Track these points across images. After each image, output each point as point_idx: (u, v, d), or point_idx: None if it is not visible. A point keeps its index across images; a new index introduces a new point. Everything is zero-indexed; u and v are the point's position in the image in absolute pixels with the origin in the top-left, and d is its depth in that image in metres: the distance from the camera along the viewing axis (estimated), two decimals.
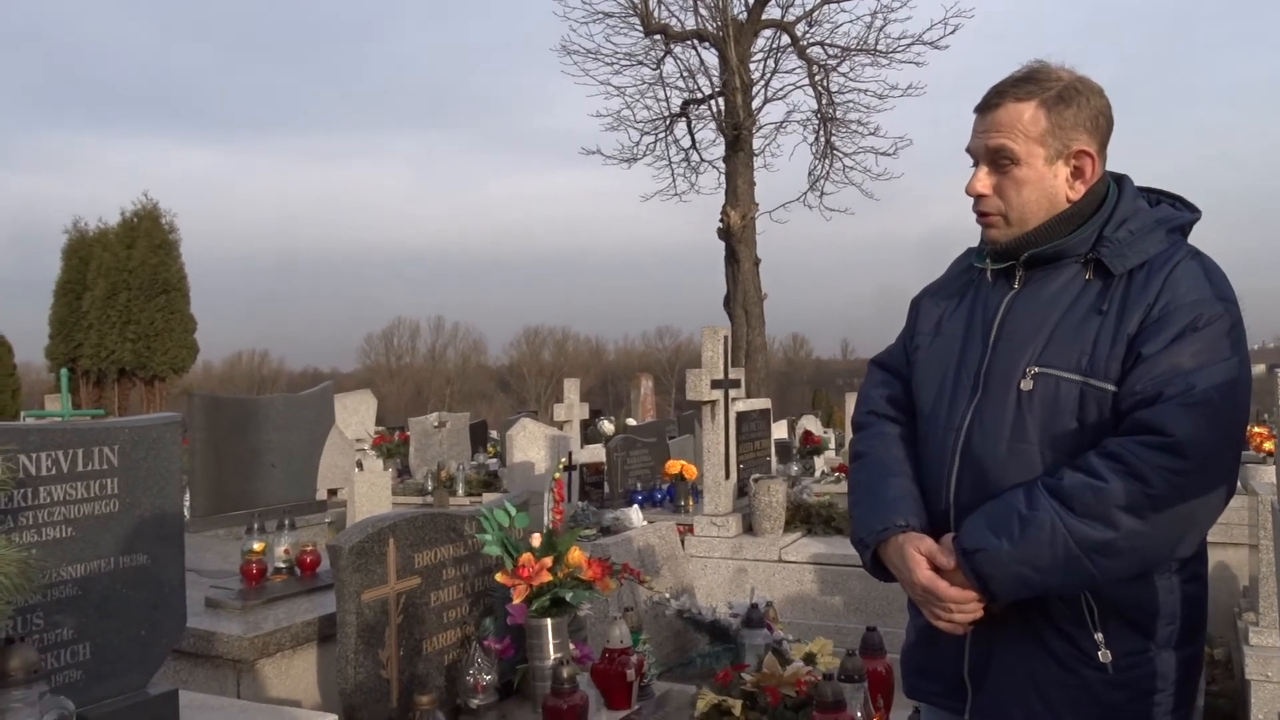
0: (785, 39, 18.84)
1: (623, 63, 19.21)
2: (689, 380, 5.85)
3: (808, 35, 18.74)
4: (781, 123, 19.31)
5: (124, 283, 12.95)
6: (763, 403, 6.93)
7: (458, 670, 3.40)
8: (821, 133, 19.08)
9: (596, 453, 9.70)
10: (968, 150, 1.86)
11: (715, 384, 5.86)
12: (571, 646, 3.49)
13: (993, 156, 1.81)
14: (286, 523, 4.42)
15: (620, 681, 3.25)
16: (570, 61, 18.61)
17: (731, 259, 17.35)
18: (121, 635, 2.42)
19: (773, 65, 18.89)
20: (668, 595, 4.84)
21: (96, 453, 2.38)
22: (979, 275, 1.93)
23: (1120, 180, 1.87)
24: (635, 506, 8.80)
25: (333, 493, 10.50)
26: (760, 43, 18.95)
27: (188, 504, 6.73)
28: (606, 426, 11.05)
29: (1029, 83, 1.79)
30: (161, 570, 2.52)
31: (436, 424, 12.07)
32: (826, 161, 19.02)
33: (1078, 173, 1.80)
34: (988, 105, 1.81)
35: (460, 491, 10.33)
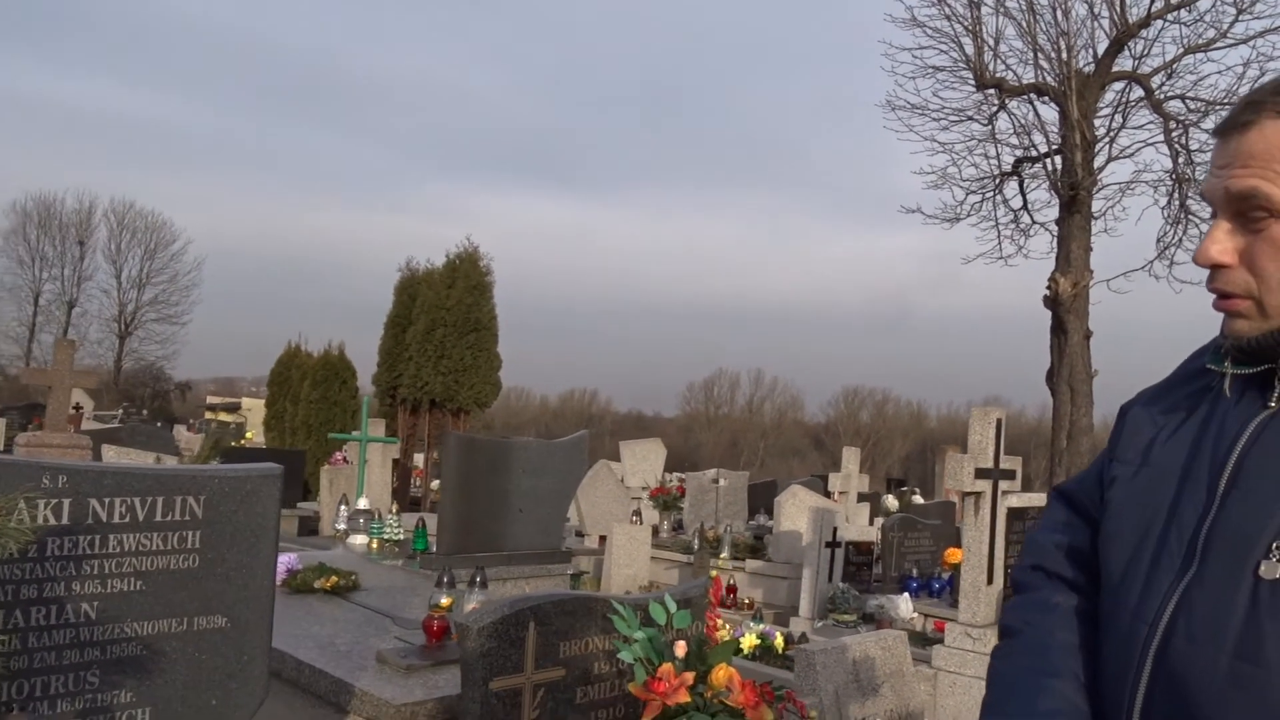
0: (1137, 92, 17.08)
1: (951, 118, 18.25)
2: (949, 465, 5.10)
3: (1165, 88, 16.88)
4: (1128, 183, 17.45)
5: (441, 320, 13.83)
6: (1042, 498, 5.97)
7: None
8: (1175, 194, 17.04)
9: (867, 530, 8.95)
10: (1201, 195, 1.22)
11: (981, 473, 5.07)
12: None
13: (1239, 206, 1.16)
14: (478, 579, 4.22)
15: None
16: (894, 117, 17.92)
17: (1058, 329, 15.77)
18: (187, 704, 2.23)
19: (1120, 120, 17.16)
20: None
21: (179, 502, 2.22)
22: (1217, 383, 1.26)
23: None
24: (906, 595, 7.99)
25: (604, 539, 10.45)
26: (1108, 96, 17.32)
27: (433, 539, 6.84)
28: (890, 502, 10.21)
29: None
30: (242, 635, 2.32)
31: (714, 480, 11.75)
32: (1180, 227, 16.95)
33: None
34: (1234, 124, 1.17)
35: (725, 555, 9.90)
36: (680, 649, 2.68)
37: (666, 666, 2.64)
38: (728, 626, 6.01)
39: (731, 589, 8.82)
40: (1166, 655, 1.12)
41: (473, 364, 13.75)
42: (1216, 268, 1.18)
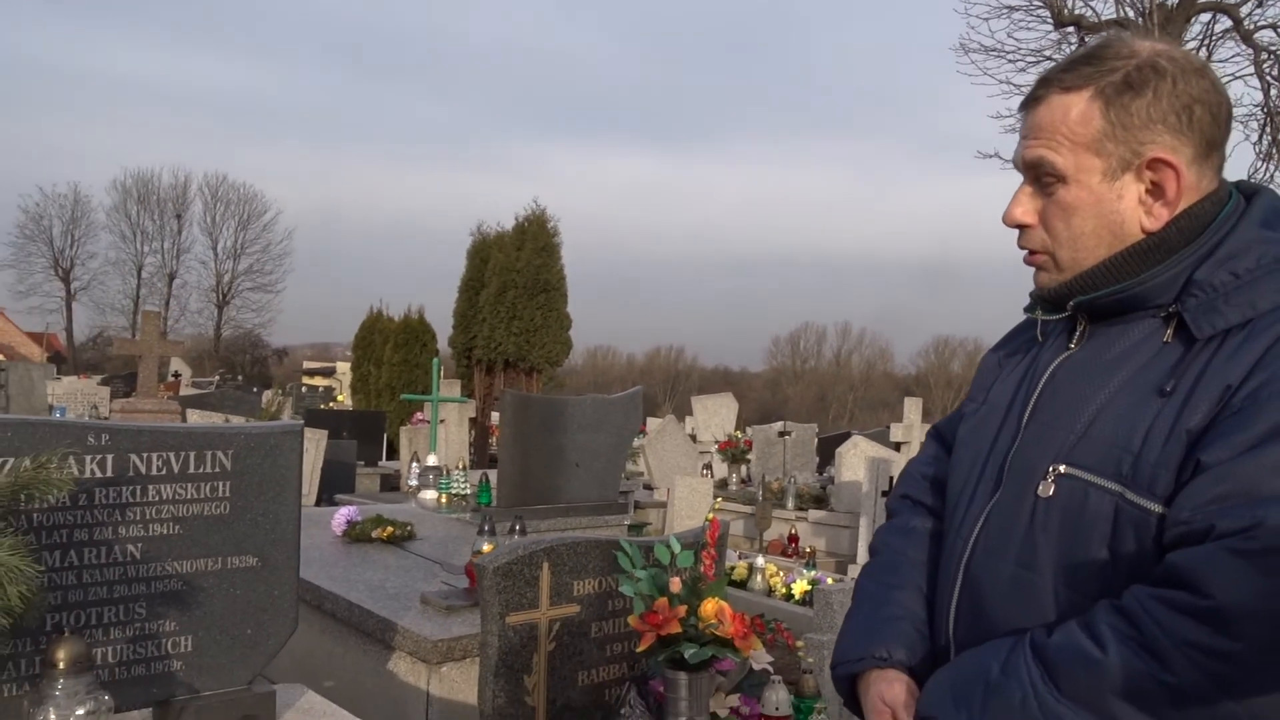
0: (1225, 22, 16.40)
1: (1028, 59, 17.80)
2: None
3: (1254, 17, 16.17)
4: None
5: (511, 281, 14.18)
6: None
7: (615, 709, 3.23)
8: (1268, 129, 16.39)
9: None
10: (1013, 163, 1.37)
11: None
12: (737, 701, 3.19)
13: (1034, 172, 1.31)
14: (517, 527, 4.49)
15: None
16: (968, 60, 17.54)
17: None
18: (225, 633, 2.53)
19: (1206, 54, 16.52)
20: None
21: (209, 456, 2.50)
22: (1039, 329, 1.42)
23: (1253, 196, 1.28)
24: None
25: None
26: (1193, 29, 16.67)
27: (494, 492, 7.16)
28: None
29: (1085, 64, 1.26)
30: (272, 573, 2.60)
31: (780, 432, 11.90)
32: (1271, 163, 16.32)
33: (1156, 190, 1.25)
34: (1029, 100, 1.31)
35: (790, 505, 10.08)
36: (675, 585, 2.89)
37: (662, 600, 2.86)
38: (744, 564, 6.17)
39: (793, 538, 9.00)
40: (970, 566, 1.29)
41: (543, 324, 14.09)
42: (1020, 228, 1.33)
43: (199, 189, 47.94)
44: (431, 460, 8.42)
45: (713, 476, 11.52)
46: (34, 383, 10.92)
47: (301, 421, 2.67)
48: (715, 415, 15.31)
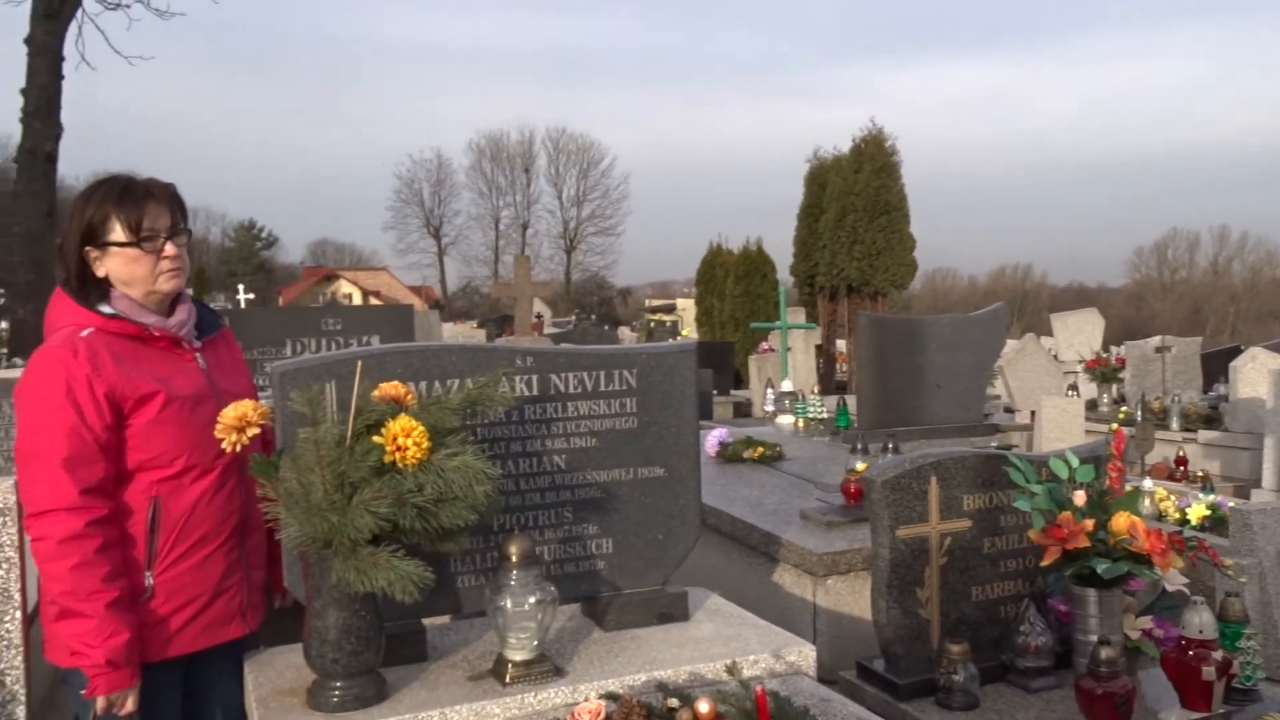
0: None
1: None
2: None
3: None
4: None
5: (851, 205, 13.91)
6: None
7: (1013, 625, 3.15)
8: None
9: None
10: None
11: None
12: (1149, 623, 2.99)
13: None
14: (890, 445, 4.46)
15: (1193, 677, 2.71)
16: None
17: None
18: (640, 536, 2.73)
19: None
20: None
21: (617, 375, 2.69)
22: None
23: None
24: None
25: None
26: None
27: (854, 415, 7.14)
28: None
29: None
30: (678, 483, 2.77)
31: (1158, 348, 10.88)
32: None
33: None
34: None
35: (1174, 426, 9.23)
36: (1079, 498, 2.75)
37: (1065, 514, 2.73)
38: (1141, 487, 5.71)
39: (1181, 460, 8.24)
40: None
41: (885, 247, 13.75)
42: None
43: (543, 142, 51.32)
44: (786, 386, 8.55)
45: (1079, 397, 10.77)
46: (432, 327, 12.35)
47: (695, 340, 2.80)
48: (1078, 333, 14.25)
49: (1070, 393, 10.98)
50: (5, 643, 2.31)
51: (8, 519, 2.30)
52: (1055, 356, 13.60)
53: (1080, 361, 13.30)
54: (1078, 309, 15.14)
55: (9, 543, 2.31)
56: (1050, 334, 15.57)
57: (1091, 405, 11.04)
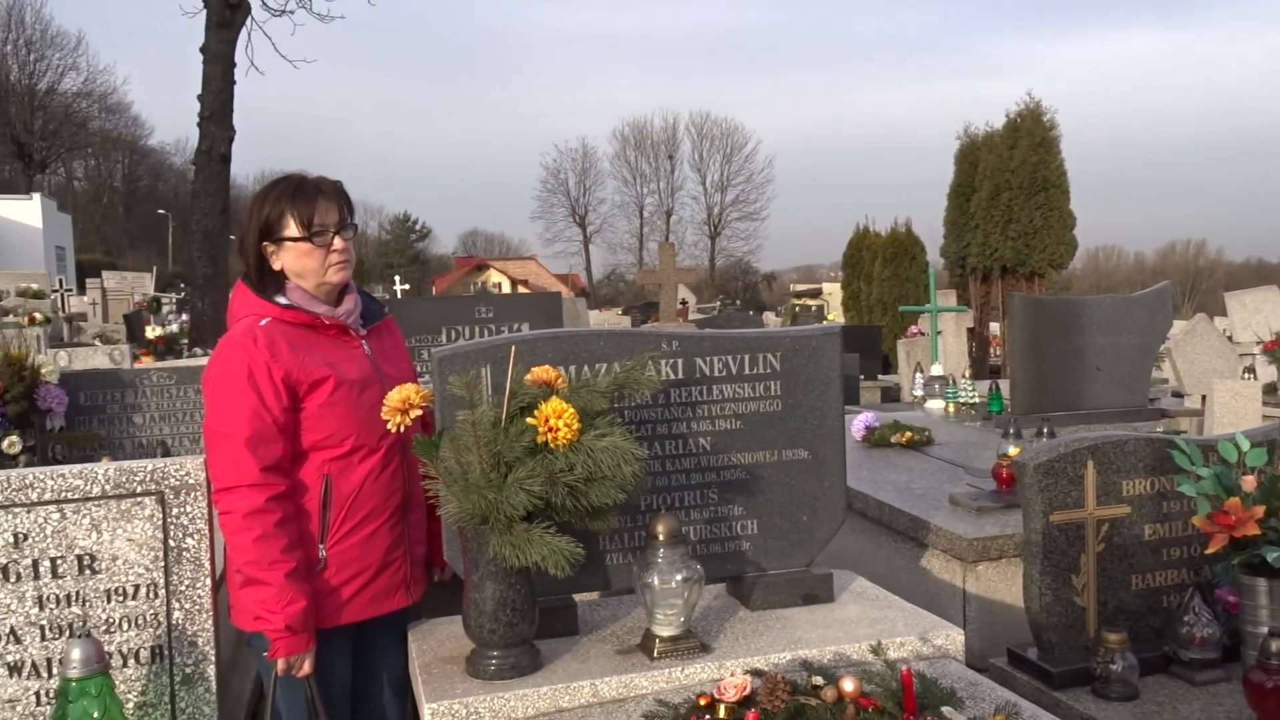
0: None
1: None
2: None
3: None
4: None
5: (1006, 183, 13.41)
6: None
7: (1177, 616, 3.03)
8: None
9: None
10: None
11: None
12: None
13: None
14: (1045, 429, 4.33)
15: None
16: None
17: None
18: (785, 518, 2.76)
19: None
20: None
21: (761, 358, 2.72)
22: None
23: None
24: None
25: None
26: None
27: (1008, 399, 6.92)
28: None
29: None
30: (822, 466, 2.78)
31: None
32: None
33: None
34: None
35: None
36: (1249, 483, 2.62)
37: (1233, 500, 2.61)
38: None
39: None
40: None
41: (1043, 225, 13.20)
42: None
43: (686, 129, 51.40)
44: (936, 370, 8.36)
45: (1257, 380, 10.11)
46: (579, 314, 12.63)
47: (840, 323, 2.80)
48: (1257, 313, 13.38)
49: (1246, 375, 10.33)
50: (197, 608, 2.51)
51: (198, 494, 2.50)
52: (1230, 337, 12.83)
53: (1258, 343, 12.48)
54: (1256, 286, 14.20)
55: (200, 515, 2.51)
56: (1224, 314, 14.68)
57: (1270, 389, 10.34)
